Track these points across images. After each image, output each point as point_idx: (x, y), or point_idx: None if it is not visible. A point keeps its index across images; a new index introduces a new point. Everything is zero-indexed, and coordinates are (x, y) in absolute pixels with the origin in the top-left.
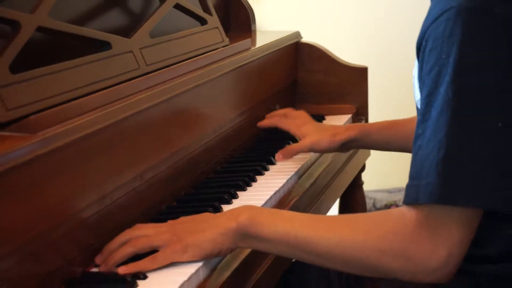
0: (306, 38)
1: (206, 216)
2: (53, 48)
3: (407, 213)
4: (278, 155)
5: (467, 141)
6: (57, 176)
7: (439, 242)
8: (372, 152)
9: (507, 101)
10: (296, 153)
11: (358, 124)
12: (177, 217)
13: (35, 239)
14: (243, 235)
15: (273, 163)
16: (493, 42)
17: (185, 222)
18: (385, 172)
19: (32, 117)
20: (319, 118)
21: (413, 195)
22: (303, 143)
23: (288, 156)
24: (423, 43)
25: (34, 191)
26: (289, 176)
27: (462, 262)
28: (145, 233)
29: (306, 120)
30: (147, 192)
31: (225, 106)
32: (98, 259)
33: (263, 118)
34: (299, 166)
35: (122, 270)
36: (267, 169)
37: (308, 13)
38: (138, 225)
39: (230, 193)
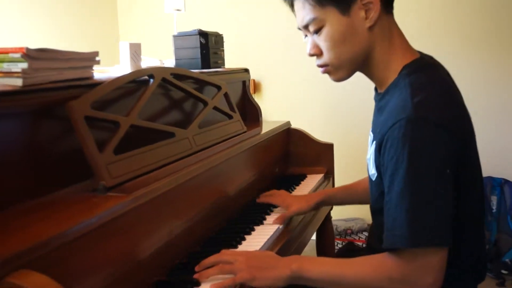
0: (292, 122)
1: (269, 258)
2: (139, 137)
3: (393, 256)
4: (275, 221)
5: (424, 203)
6: (142, 221)
7: (425, 270)
8: None
9: (445, 178)
10: (288, 218)
11: (323, 190)
12: (217, 249)
13: (129, 261)
14: (295, 278)
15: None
16: (431, 139)
17: (255, 258)
18: (342, 208)
19: (127, 184)
20: (303, 176)
21: (391, 242)
22: (290, 210)
23: (283, 221)
24: (384, 142)
25: (128, 232)
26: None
27: None
28: (228, 260)
29: (286, 195)
30: (194, 228)
31: (244, 170)
32: (196, 267)
33: (268, 176)
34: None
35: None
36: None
37: (295, 104)
38: (224, 251)
39: (242, 235)
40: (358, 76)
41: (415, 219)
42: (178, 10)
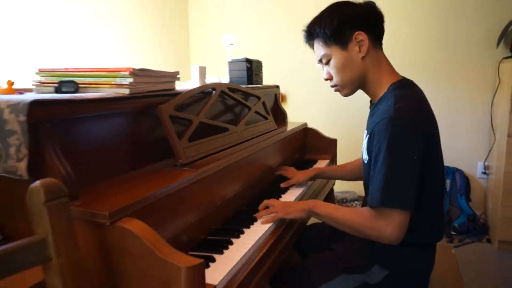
0: (308, 123)
1: (294, 202)
2: (204, 130)
3: (370, 210)
4: (283, 184)
5: (394, 177)
6: (206, 188)
7: (388, 224)
8: None
9: (412, 162)
10: (291, 184)
11: (317, 167)
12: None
13: (196, 215)
14: (310, 212)
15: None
16: (404, 133)
17: (287, 203)
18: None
19: (196, 162)
20: (314, 161)
21: (372, 202)
22: (294, 179)
23: (288, 185)
24: (373, 133)
25: (196, 195)
26: (300, 191)
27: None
28: (271, 203)
29: (293, 170)
30: (240, 194)
31: (274, 155)
32: (257, 215)
33: (290, 160)
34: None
35: (265, 221)
36: (284, 193)
37: (310, 110)
38: (266, 200)
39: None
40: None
41: (387, 187)
42: (231, 44)
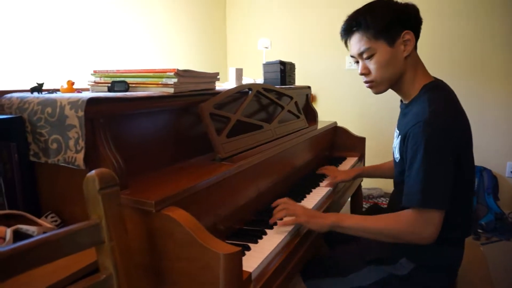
0: (338, 122)
1: (317, 212)
2: (241, 127)
3: (409, 213)
4: (327, 185)
5: (432, 178)
6: (242, 181)
7: (428, 224)
8: None
9: (447, 163)
10: (335, 184)
11: (359, 167)
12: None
13: (233, 206)
14: (334, 227)
15: (318, 186)
16: (439, 136)
17: (309, 210)
18: (365, 180)
19: (234, 157)
20: (343, 158)
21: (410, 203)
22: (338, 179)
23: (332, 185)
24: (407, 135)
25: (233, 188)
26: (328, 189)
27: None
28: (288, 207)
29: (335, 169)
30: (273, 188)
31: (306, 152)
32: (271, 220)
33: (321, 157)
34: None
35: (281, 223)
36: (318, 185)
37: (339, 110)
38: (285, 200)
39: (303, 194)
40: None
41: (426, 188)
42: (266, 47)
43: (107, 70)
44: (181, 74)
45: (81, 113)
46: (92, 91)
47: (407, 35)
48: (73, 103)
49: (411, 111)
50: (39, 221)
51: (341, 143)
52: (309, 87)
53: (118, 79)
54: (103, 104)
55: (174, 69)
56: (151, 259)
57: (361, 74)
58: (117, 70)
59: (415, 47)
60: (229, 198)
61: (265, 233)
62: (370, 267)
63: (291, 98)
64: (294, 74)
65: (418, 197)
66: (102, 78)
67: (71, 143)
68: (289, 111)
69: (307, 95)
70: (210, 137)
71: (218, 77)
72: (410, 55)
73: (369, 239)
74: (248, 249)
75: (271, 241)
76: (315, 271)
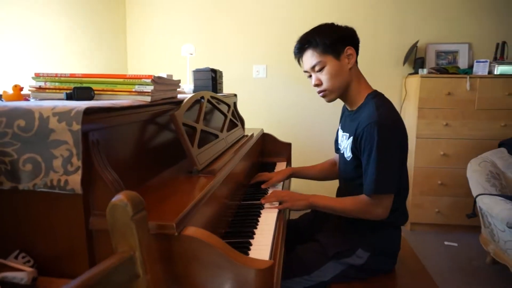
0: (266, 129)
1: (299, 194)
2: (205, 137)
3: (366, 197)
4: (263, 185)
5: (384, 170)
6: (223, 189)
7: (379, 206)
8: None
9: (396, 158)
10: (271, 184)
11: (291, 167)
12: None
13: (221, 212)
14: (312, 205)
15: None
16: (388, 134)
17: (292, 194)
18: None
19: (208, 168)
20: (274, 163)
21: (367, 191)
22: (275, 179)
23: (269, 185)
24: (360, 136)
25: (218, 196)
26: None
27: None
28: (277, 194)
29: (267, 173)
30: (236, 194)
31: (250, 160)
32: (262, 200)
33: (256, 162)
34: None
35: (273, 207)
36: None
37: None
38: (276, 190)
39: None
40: (308, 101)
41: (379, 178)
42: (190, 54)
43: (56, 74)
44: (157, 81)
45: (76, 127)
46: (37, 98)
47: (349, 50)
48: (63, 114)
49: (361, 115)
50: (14, 264)
51: (269, 149)
52: (235, 95)
53: (78, 85)
54: (100, 114)
55: (151, 75)
56: (171, 285)
57: (315, 85)
58: (71, 74)
59: (356, 62)
60: (216, 207)
61: (256, 227)
62: (331, 262)
63: (229, 106)
64: (222, 82)
65: (372, 186)
66: (48, 83)
67: (57, 163)
68: (230, 120)
69: (234, 103)
70: (185, 148)
71: (180, 84)
72: (353, 68)
73: (337, 214)
74: (251, 244)
75: (264, 233)
76: (283, 273)
